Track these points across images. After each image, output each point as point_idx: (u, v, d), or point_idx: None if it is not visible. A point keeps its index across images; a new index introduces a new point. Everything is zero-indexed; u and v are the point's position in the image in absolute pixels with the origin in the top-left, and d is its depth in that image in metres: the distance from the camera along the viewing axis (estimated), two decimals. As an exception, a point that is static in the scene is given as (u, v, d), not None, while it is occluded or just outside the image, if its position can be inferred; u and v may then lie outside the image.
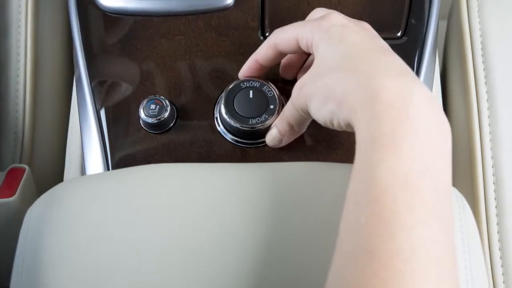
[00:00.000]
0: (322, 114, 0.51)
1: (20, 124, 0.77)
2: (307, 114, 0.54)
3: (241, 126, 0.62)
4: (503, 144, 0.69)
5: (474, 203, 0.69)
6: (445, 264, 0.41)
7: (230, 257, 0.48)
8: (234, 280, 0.48)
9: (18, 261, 0.50)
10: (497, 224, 0.67)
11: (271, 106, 0.62)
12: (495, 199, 0.68)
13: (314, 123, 0.63)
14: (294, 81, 0.66)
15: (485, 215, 0.68)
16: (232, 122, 0.62)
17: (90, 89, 0.67)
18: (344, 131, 0.63)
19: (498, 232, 0.67)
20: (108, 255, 0.48)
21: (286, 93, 0.66)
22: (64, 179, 0.70)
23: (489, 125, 0.70)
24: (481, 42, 0.73)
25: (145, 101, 0.64)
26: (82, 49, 0.68)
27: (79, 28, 0.69)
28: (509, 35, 0.73)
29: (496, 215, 0.67)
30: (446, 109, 0.78)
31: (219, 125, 0.65)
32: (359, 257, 0.41)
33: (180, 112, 0.65)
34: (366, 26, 0.54)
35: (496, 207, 0.68)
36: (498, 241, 0.66)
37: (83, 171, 0.67)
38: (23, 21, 0.78)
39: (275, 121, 0.61)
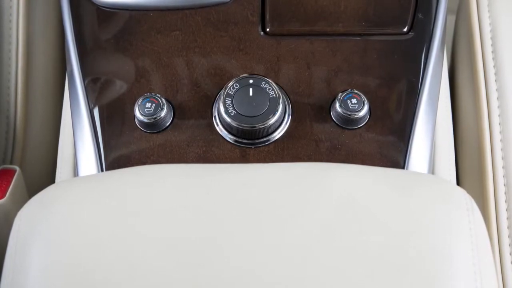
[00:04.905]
0: None
1: (11, 124, 0.77)
2: None
3: (241, 125, 0.62)
4: None
5: (483, 205, 0.68)
6: None
7: (229, 261, 0.48)
8: (233, 285, 0.47)
9: (8, 266, 0.50)
10: (507, 227, 0.66)
11: (272, 104, 0.62)
12: (505, 201, 0.67)
13: (317, 121, 0.64)
14: (294, 78, 0.66)
15: (495, 217, 0.67)
16: (231, 121, 0.62)
17: (83, 86, 0.67)
18: (348, 131, 0.64)
19: (509, 236, 0.66)
20: (101, 260, 0.48)
21: (287, 91, 0.65)
22: (56, 181, 0.69)
23: (499, 124, 0.69)
24: (491, 38, 0.73)
25: (140, 99, 0.64)
26: (75, 45, 0.68)
27: (71, 23, 0.69)
28: None
29: (507, 218, 0.67)
30: (455, 108, 0.77)
31: (217, 124, 0.64)
32: None
33: (177, 111, 0.65)
34: None
35: (506, 209, 0.67)
36: (509, 245, 0.66)
37: (75, 172, 0.67)
38: (14, 16, 0.78)
39: None
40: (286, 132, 0.64)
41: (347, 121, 0.63)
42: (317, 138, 0.64)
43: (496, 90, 0.70)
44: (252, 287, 0.47)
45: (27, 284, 0.48)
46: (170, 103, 0.65)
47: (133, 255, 0.48)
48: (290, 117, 0.64)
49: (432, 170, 0.66)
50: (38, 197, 0.53)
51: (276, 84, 0.64)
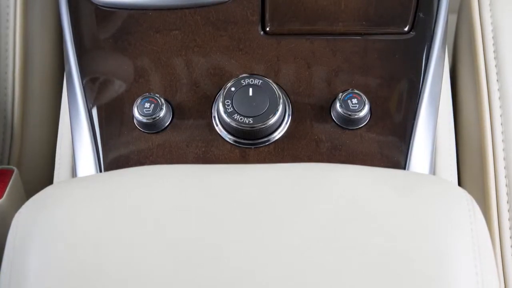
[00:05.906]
0: None
1: (8, 124, 0.77)
2: None
3: (240, 126, 0.61)
4: None
5: (485, 206, 0.68)
6: None
7: (229, 262, 0.48)
8: (233, 286, 0.47)
9: (6, 267, 0.50)
10: (509, 228, 0.66)
11: (272, 104, 0.62)
12: (507, 202, 0.67)
13: (317, 121, 0.64)
14: (295, 78, 0.66)
15: (496, 218, 0.67)
16: (231, 121, 0.61)
17: (81, 86, 0.66)
18: (348, 131, 0.63)
19: (510, 237, 0.66)
20: (100, 261, 0.48)
21: (287, 91, 0.65)
22: (54, 181, 0.69)
23: (501, 124, 0.69)
24: (493, 37, 0.72)
25: (139, 99, 0.63)
26: (73, 44, 0.68)
27: (69, 23, 0.69)
28: None
29: (509, 219, 0.66)
30: (456, 108, 0.77)
31: (217, 125, 0.64)
32: None
33: (176, 111, 0.65)
34: None
35: (508, 210, 0.67)
36: (511, 246, 0.66)
37: (74, 172, 0.66)
38: (11, 15, 0.78)
39: None
40: (286, 132, 0.63)
41: (348, 121, 0.63)
42: (318, 138, 0.63)
43: (498, 90, 0.70)
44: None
45: (25, 285, 0.47)
46: (169, 103, 0.64)
47: (131, 255, 0.48)
48: (290, 117, 0.64)
49: (433, 170, 0.66)
50: (36, 198, 0.53)
51: (276, 84, 0.63)
